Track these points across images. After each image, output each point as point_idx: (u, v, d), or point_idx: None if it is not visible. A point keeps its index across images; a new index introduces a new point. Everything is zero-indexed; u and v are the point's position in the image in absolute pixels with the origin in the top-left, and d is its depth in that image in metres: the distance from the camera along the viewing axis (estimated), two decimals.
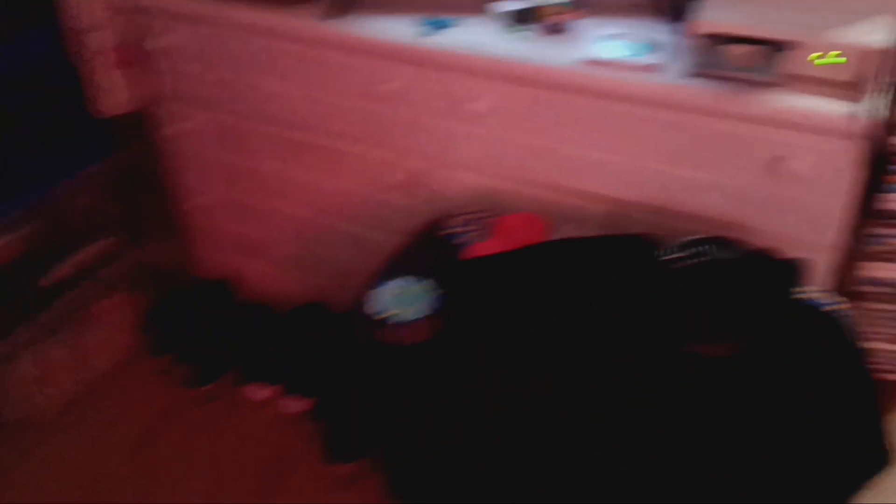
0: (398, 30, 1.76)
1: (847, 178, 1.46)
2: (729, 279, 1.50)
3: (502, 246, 1.56)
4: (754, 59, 1.48)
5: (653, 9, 1.81)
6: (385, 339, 1.48)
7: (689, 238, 1.54)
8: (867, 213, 1.81)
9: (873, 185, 1.76)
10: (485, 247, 1.56)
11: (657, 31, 1.70)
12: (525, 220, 1.63)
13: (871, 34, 1.44)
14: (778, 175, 1.51)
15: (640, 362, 1.38)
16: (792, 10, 1.52)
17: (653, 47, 1.62)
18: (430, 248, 1.70)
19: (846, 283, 1.92)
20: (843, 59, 1.44)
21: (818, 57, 1.46)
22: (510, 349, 1.41)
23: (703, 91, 1.48)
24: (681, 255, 1.51)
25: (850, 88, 1.47)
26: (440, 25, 1.75)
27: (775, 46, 1.47)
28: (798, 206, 1.54)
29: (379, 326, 1.46)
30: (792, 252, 1.60)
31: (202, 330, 2.25)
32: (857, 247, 1.85)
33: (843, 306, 1.49)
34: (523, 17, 1.75)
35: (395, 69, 1.76)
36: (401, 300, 1.51)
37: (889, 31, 1.44)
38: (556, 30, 1.72)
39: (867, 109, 1.39)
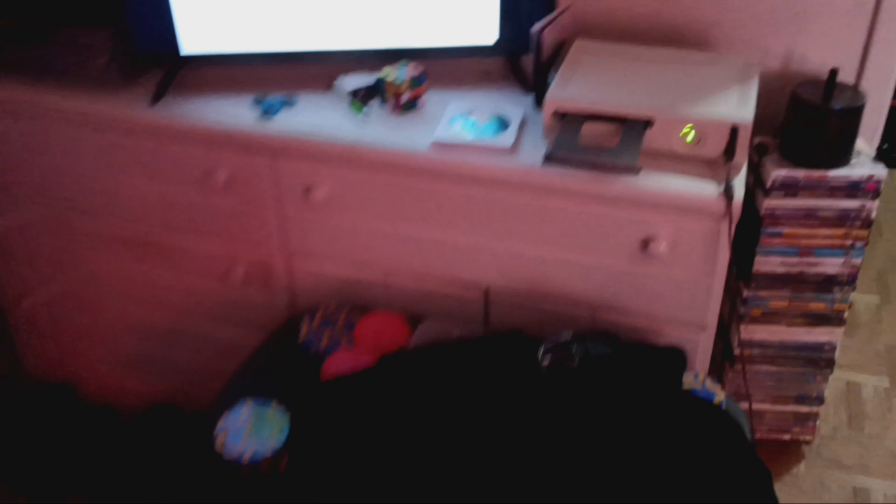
0: (231, 113, 1.58)
1: (717, 253, 1.38)
2: (610, 376, 1.39)
3: (361, 356, 1.40)
4: (612, 138, 1.38)
5: (508, 77, 1.70)
6: (232, 471, 1.30)
7: (566, 333, 1.42)
8: (744, 276, 1.74)
9: (748, 248, 1.70)
10: (342, 358, 1.40)
11: (514, 103, 1.58)
12: (385, 322, 1.47)
13: (730, 108, 1.36)
14: (648, 255, 1.41)
15: (524, 475, 1.25)
16: (649, 86, 1.43)
17: (508, 124, 1.50)
18: (283, 358, 1.52)
19: (728, 348, 1.85)
20: (698, 136, 1.35)
21: (679, 134, 1.37)
22: (370, 481, 1.25)
23: (559, 174, 1.37)
24: (559, 353, 1.39)
25: (712, 164, 1.38)
26: (278, 106, 1.58)
27: (634, 124, 1.37)
28: (671, 286, 1.44)
29: (225, 459, 1.28)
30: (670, 331, 1.51)
31: (39, 447, 2.00)
32: (736, 311, 1.79)
33: (723, 396, 1.40)
34: (369, 95, 1.60)
35: (228, 157, 1.58)
36: (249, 429, 1.33)
37: (746, 104, 1.37)
38: (405, 107, 1.58)
39: (731, 184, 1.31)
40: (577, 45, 1.57)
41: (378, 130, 1.53)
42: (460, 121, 1.52)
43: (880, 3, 1.51)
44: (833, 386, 2.03)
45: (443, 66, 1.69)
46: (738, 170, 1.36)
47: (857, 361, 2.17)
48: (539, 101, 1.53)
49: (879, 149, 1.63)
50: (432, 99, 1.61)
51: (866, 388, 2.13)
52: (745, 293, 1.75)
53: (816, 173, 1.60)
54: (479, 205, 1.48)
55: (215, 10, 1.57)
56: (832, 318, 1.77)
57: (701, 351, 1.49)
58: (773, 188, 1.61)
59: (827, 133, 1.57)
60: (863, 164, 1.62)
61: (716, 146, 1.36)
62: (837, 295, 1.73)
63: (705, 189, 1.34)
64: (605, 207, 1.41)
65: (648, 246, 1.40)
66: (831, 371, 1.84)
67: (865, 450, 1.98)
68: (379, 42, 1.61)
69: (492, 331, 1.54)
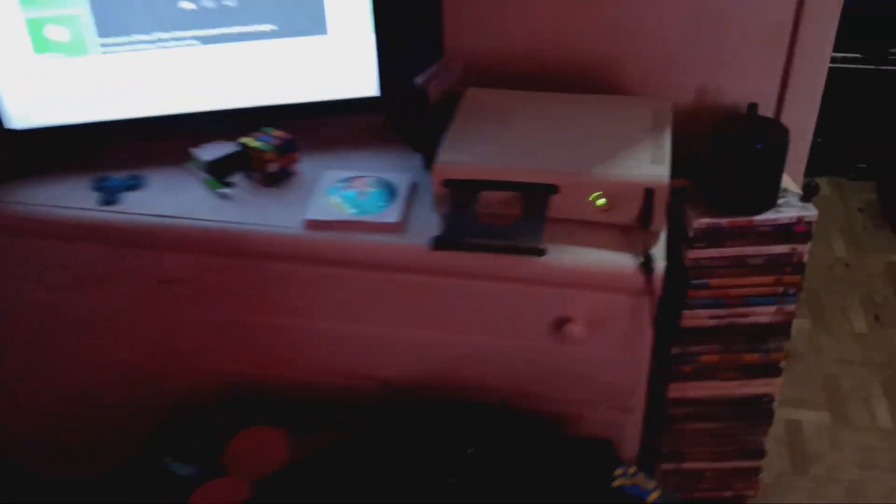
0: (67, 198, 1.34)
1: (640, 330, 1.20)
2: (532, 476, 1.20)
3: (234, 486, 1.18)
4: (514, 206, 1.19)
5: (395, 135, 1.49)
6: None
7: (486, 429, 1.23)
8: (672, 332, 1.58)
9: (675, 302, 1.53)
10: (212, 490, 1.18)
11: (402, 167, 1.38)
12: (261, 440, 1.25)
13: (642, 166, 1.18)
14: (564, 336, 1.22)
15: None
16: (551, 142, 1.24)
17: (395, 193, 1.30)
18: (149, 486, 1.29)
19: (660, 408, 1.68)
20: (609, 201, 1.17)
21: (588, 199, 1.19)
22: None
23: (454, 255, 1.17)
24: (477, 452, 1.20)
25: (628, 230, 1.21)
26: (121, 188, 1.34)
27: (537, 191, 1.18)
28: (591, 367, 1.27)
29: None
30: (594, 416, 1.33)
31: None
32: (666, 369, 1.62)
33: (658, 494, 1.22)
34: (230, 167, 1.37)
35: (68, 250, 1.34)
36: None
37: (661, 158, 1.19)
38: (274, 179, 1.36)
39: (649, 255, 1.13)
40: (470, 97, 1.38)
41: (242, 209, 1.31)
42: (339, 193, 1.31)
43: (797, 29, 1.35)
44: (772, 426, 1.89)
45: (320, 126, 1.48)
46: (656, 237, 1.19)
47: (795, 396, 2.04)
48: (428, 164, 1.33)
49: (806, 185, 1.48)
50: (308, 166, 1.40)
51: (808, 426, 2.00)
52: (674, 349, 1.58)
53: (741, 219, 1.43)
54: (367, 289, 1.28)
55: (45, 76, 1.33)
56: (768, 369, 1.61)
57: (629, 435, 1.32)
58: (696, 238, 1.44)
59: (750, 175, 1.41)
60: (791, 204, 1.46)
61: (629, 211, 1.18)
62: (772, 344, 1.58)
63: (621, 262, 1.16)
64: (511, 286, 1.21)
65: (563, 327, 1.21)
66: (771, 423, 1.69)
67: (813, 496, 1.84)
68: (240, 100, 1.39)
69: (392, 431, 1.33)
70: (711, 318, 1.55)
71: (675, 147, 1.27)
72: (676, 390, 1.63)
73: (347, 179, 1.34)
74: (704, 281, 1.50)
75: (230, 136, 1.39)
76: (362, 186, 1.32)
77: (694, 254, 1.47)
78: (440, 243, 1.11)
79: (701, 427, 1.69)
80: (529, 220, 1.13)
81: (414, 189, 1.33)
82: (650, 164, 1.17)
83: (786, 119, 1.48)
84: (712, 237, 1.45)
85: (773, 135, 1.40)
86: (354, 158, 1.42)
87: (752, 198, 1.44)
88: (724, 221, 1.44)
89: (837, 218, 2.59)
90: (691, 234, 1.44)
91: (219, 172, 1.35)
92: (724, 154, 1.41)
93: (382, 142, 1.48)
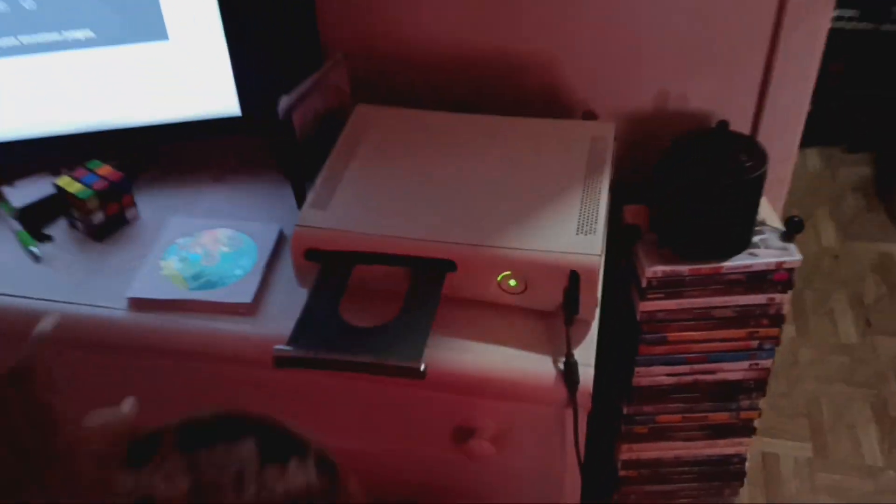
0: None
1: (563, 444, 0.92)
2: None
3: None
4: (399, 284, 0.89)
5: (269, 163, 1.18)
6: None
7: None
8: (622, 390, 1.30)
9: (625, 357, 1.25)
10: None
11: (272, 208, 1.07)
12: None
13: (568, 234, 0.88)
14: (468, 449, 0.94)
15: None
16: (451, 194, 0.93)
17: (254, 255, 0.99)
18: None
19: (610, 470, 1.42)
20: (523, 282, 0.87)
21: (496, 279, 0.89)
22: None
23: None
24: None
25: (549, 317, 0.91)
26: None
27: (428, 267, 0.88)
28: (506, 479, 0.99)
29: None
30: None
31: None
32: (617, 430, 1.35)
33: None
34: (49, 213, 1.06)
35: None
36: None
37: (595, 218, 0.89)
38: (103, 231, 1.05)
39: (572, 362, 0.84)
40: (357, 119, 1.06)
41: (60, 276, 1.00)
42: (179, 254, 1.00)
43: (778, 30, 1.03)
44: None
45: (173, 152, 1.16)
46: (585, 329, 0.89)
47: (772, 424, 1.77)
48: (301, 204, 1.02)
49: (789, 220, 1.17)
50: (152, 206, 1.09)
51: (786, 461, 1.74)
52: (626, 409, 1.31)
53: (706, 266, 1.14)
54: (220, 384, 0.98)
55: None
56: (739, 429, 1.34)
57: None
58: (649, 288, 1.15)
59: (718, 211, 1.11)
60: (769, 243, 1.17)
61: (549, 296, 0.88)
62: (744, 402, 1.30)
63: (535, 367, 0.87)
64: (397, 388, 0.92)
65: (468, 439, 0.92)
66: (742, 483, 1.42)
67: None
68: (66, 124, 1.07)
69: None
70: (670, 375, 1.27)
71: (631, 165, 0.97)
72: (628, 451, 1.36)
73: (194, 233, 1.03)
74: (660, 335, 1.22)
75: (58, 169, 1.08)
76: (212, 244, 1.01)
77: (647, 305, 1.18)
78: (283, 360, 0.81)
79: (658, 489, 1.43)
80: (413, 315, 0.83)
81: (282, 243, 1.02)
82: (577, 235, 0.86)
83: (763, 137, 1.17)
84: (670, 286, 1.16)
85: (749, 160, 1.10)
86: (213, 195, 1.11)
87: (720, 239, 1.14)
88: (684, 269, 1.14)
89: (827, 199, 2.29)
90: (643, 283, 1.15)
91: (33, 222, 1.04)
92: (686, 183, 1.11)
93: (252, 170, 1.16)
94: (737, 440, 1.36)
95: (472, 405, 0.91)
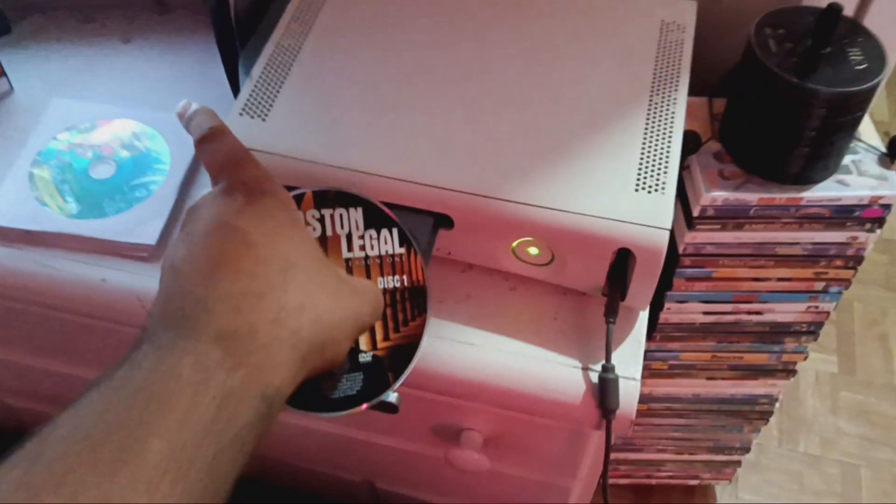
0: None
1: (580, 460, 0.68)
2: None
3: None
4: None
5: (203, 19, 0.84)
6: None
7: None
8: (648, 328, 1.05)
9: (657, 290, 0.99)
10: None
11: (199, 89, 0.76)
12: None
13: (624, 191, 0.59)
14: (452, 459, 0.70)
15: None
16: (458, 129, 0.63)
17: (169, 166, 0.70)
18: None
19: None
20: (551, 253, 0.59)
21: (510, 247, 0.61)
22: None
23: None
24: None
25: (580, 304, 0.64)
26: None
27: (412, 221, 0.59)
28: (507, 485, 0.75)
29: None
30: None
31: None
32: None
33: None
34: None
35: None
36: None
37: (658, 197, 0.59)
38: None
39: (608, 376, 0.58)
40: None
41: None
42: (59, 160, 0.70)
43: None
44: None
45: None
46: (632, 321, 0.62)
47: None
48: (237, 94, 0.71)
49: (893, 140, 0.88)
50: (34, 79, 0.77)
51: (805, 375, 1.54)
52: (647, 345, 1.06)
53: (781, 196, 0.86)
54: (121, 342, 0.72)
55: None
56: (777, 371, 1.11)
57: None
58: (702, 217, 0.87)
59: (810, 129, 0.81)
60: (862, 167, 0.88)
61: (586, 275, 0.60)
62: (790, 345, 1.07)
63: (558, 375, 0.61)
64: None
65: (460, 436, 0.68)
66: (766, 422, 1.22)
67: (799, 476, 1.42)
68: None
69: None
70: (707, 313, 1.02)
71: (705, 53, 0.67)
72: (645, 387, 1.14)
73: (84, 124, 0.72)
74: (705, 270, 0.95)
75: None
76: (107, 144, 0.71)
77: (694, 237, 0.91)
78: None
79: (663, 423, 1.22)
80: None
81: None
82: (637, 192, 0.57)
83: (872, 24, 0.84)
84: (728, 216, 0.88)
85: (864, 60, 0.79)
86: (118, 64, 0.79)
87: (806, 160, 0.85)
88: (752, 199, 0.86)
89: None
90: (695, 210, 0.87)
91: None
92: (771, 84, 0.80)
93: (179, 26, 0.83)
94: (770, 381, 1.13)
95: (462, 407, 0.66)
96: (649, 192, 0.58)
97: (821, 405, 1.49)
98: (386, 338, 0.50)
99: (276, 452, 0.84)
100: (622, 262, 0.59)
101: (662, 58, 0.65)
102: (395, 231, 0.51)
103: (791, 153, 0.84)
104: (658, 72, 0.65)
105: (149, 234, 0.66)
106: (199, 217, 0.40)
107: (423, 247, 0.56)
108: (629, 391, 0.60)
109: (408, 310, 0.50)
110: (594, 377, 0.61)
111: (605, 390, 0.59)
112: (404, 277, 0.50)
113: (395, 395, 0.51)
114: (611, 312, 0.61)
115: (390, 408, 0.52)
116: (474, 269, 0.65)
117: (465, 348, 0.62)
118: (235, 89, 0.73)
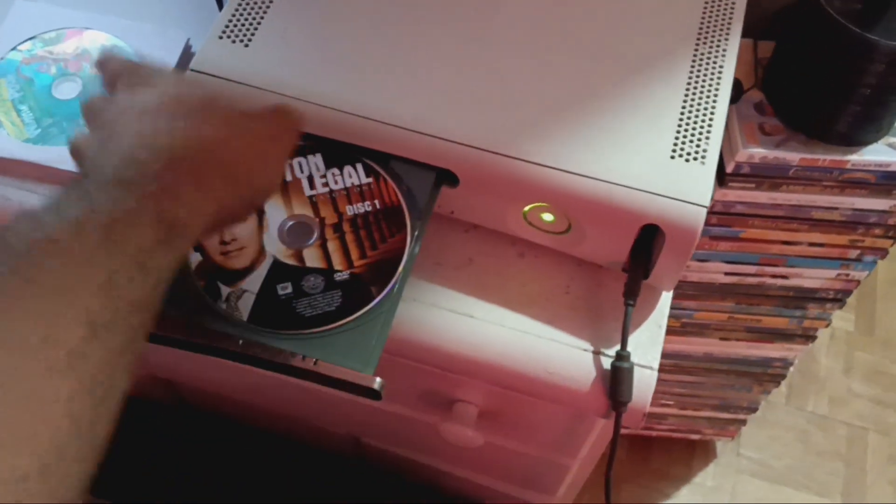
0: None
1: (583, 440, 0.63)
2: None
3: None
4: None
5: None
6: None
7: None
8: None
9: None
10: None
11: (179, 9, 0.68)
12: None
13: (657, 156, 0.51)
14: (444, 429, 0.65)
15: None
16: (465, 91, 0.54)
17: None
18: None
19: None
20: (567, 220, 0.52)
21: (521, 211, 0.53)
22: None
23: None
24: None
25: (597, 275, 0.57)
26: None
27: (410, 174, 0.53)
28: (497, 454, 0.70)
29: None
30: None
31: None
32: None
33: None
34: None
35: None
36: None
37: (696, 166, 0.51)
38: None
39: (622, 366, 0.52)
40: None
41: None
42: (18, 74, 0.62)
43: None
44: None
45: None
46: (654, 301, 0.56)
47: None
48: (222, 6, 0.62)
49: None
50: None
51: (822, 333, 1.47)
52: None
53: (825, 157, 0.77)
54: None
55: None
56: (796, 336, 1.05)
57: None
58: (736, 174, 0.79)
59: (865, 86, 0.72)
60: None
61: (606, 247, 0.53)
62: (813, 311, 1.00)
63: (566, 358, 0.54)
64: None
65: (453, 408, 0.62)
66: (777, 385, 1.16)
67: (804, 435, 1.38)
68: None
69: None
70: (730, 273, 0.95)
71: None
72: None
73: (50, 35, 0.64)
74: (732, 230, 0.88)
75: None
76: (74, 59, 0.62)
77: (726, 194, 0.83)
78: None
79: (675, 378, 1.16)
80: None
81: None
82: (673, 160, 0.49)
83: None
84: (766, 175, 0.80)
85: None
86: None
87: (857, 119, 0.76)
88: (793, 158, 0.78)
89: None
90: (729, 166, 0.79)
91: None
92: (824, 35, 0.71)
93: None
94: (788, 346, 1.07)
95: (457, 378, 0.59)
96: (687, 160, 0.50)
97: (834, 364, 1.44)
98: (363, 256, 0.49)
99: (260, 399, 0.78)
100: (649, 236, 0.52)
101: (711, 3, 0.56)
102: (359, 166, 0.51)
103: (842, 110, 0.75)
104: (707, 16, 0.55)
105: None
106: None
107: (422, 205, 0.50)
108: (644, 381, 0.53)
109: (384, 229, 0.50)
110: (606, 363, 0.54)
111: (617, 379, 0.53)
112: (375, 202, 0.50)
113: (379, 380, 0.46)
114: (631, 292, 0.53)
115: (373, 394, 0.46)
116: (479, 230, 0.58)
117: (464, 321, 0.55)
118: (221, 5, 0.65)
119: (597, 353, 0.54)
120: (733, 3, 0.56)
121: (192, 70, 0.53)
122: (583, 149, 0.50)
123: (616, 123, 0.51)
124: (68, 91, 0.62)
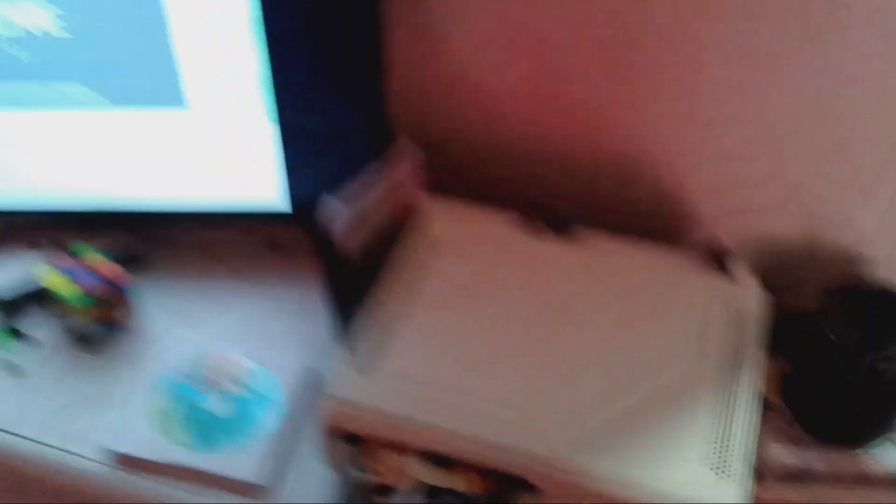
0: None
1: None
2: None
3: None
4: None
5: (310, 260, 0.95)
6: None
7: None
8: None
9: None
10: None
11: (305, 332, 0.85)
12: None
13: (689, 489, 0.64)
14: None
15: None
16: (543, 388, 0.69)
17: (281, 403, 0.77)
18: None
19: None
20: None
21: None
22: None
23: None
24: None
25: None
26: None
27: (497, 482, 0.65)
28: None
29: None
30: None
31: None
32: None
33: None
34: (22, 307, 0.85)
35: None
36: None
37: (727, 483, 0.64)
38: (90, 341, 0.83)
39: None
40: (428, 231, 0.83)
41: (19, 402, 0.79)
42: (177, 394, 0.78)
43: None
44: None
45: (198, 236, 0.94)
46: None
47: None
48: (343, 340, 0.78)
49: None
50: (153, 309, 0.86)
51: None
52: None
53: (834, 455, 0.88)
54: None
55: None
56: None
57: None
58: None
59: (859, 398, 0.85)
60: None
61: None
62: None
63: None
64: None
65: None
66: None
67: None
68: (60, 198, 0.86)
69: None
70: None
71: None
72: None
73: (201, 360, 0.80)
74: None
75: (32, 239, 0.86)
76: (224, 381, 0.78)
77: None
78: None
79: None
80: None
81: (314, 387, 0.79)
82: (709, 473, 0.62)
83: None
84: (792, 479, 0.91)
85: None
86: (234, 298, 0.88)
87: (858, 423, 0.88)
88: (820, 466, 0.88)
89: None
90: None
91: (12, 312, 0.83)
92: (819, 353, 0.85)
93: (290, 266, 0.93)
94: None
95: None
96: (717, 472, 0.62)
97: None
98: None
99: None
100: None
101: (732, 335, 0.72)
102: None
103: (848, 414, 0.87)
104: (728, 348, 0.71)
105: (259, 473, 0.72)
106: None
107: None
108: None
109: None
110: None
111: None
112: None
113: None
114: None
115: None
116: None
117: None
118: (340, 338, 0.81)
119: None
120: (749, 346, 0.71)
121: (330, 397, 0.67)
122: (646, 460, 0.63)
123: (649, 434, 0.64)
124: (217, 407, 0.77)
